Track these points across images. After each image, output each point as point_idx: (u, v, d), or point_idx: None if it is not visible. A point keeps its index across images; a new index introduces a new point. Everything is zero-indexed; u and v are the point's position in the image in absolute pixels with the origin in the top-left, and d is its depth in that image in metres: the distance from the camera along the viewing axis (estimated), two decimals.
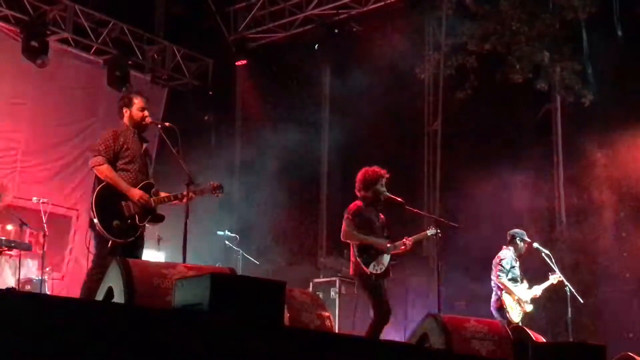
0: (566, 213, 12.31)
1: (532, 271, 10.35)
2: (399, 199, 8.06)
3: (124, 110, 6.59)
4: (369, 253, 7.72)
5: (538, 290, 9.60)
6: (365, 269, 7.65)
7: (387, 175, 8.05)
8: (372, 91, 13.38)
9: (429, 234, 8.26)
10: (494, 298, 9.58)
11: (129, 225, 6.22)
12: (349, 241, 7.87)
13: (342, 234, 7.89)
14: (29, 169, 12.07)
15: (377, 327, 7.67)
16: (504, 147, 12.80)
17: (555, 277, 9.54)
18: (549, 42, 11.89)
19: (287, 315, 5.73)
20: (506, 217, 12.65)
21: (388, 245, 7.83)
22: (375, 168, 8.06)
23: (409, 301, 11.08)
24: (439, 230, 8.20)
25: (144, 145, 6.64)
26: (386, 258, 7.79)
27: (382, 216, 8.12)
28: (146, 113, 6.61)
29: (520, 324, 9.15)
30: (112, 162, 6.33)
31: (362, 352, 4.42)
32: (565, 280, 9.55)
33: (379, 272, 7.70)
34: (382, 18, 13.27)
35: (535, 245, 9.84)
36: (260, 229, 13.49)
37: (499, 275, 9.43)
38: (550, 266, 9.65)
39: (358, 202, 7.97)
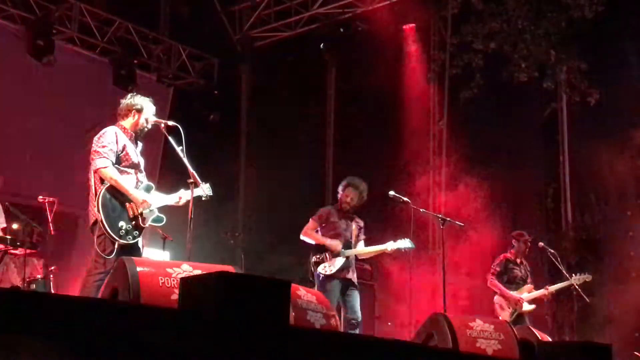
0: (572, 212, 12.29)
1: (537, 271, 10.34)
2: (404, 198, 8.07)
3: (134, 113, 6.55)
4: (322, 255, 7.89)
5: (552, 288, 9.61)
6: (313, 270, 7.82)
7: (354, 186, 8.22)
8: (377, 90, 13.36)
9: (389, 249, 8.23)
10: None
11: (133, 226, 6.23)
12: (302, 237, 8.07)
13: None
14: (36, 167, 12.08)
15: None
16: (509, 147, 12.78)
17: (577, 279, 9.53)
18: (556, 41, 11.86)
19: (292, 314, 5.71)
20: (512, 216, 12.64)
21: (341, 248, 7.93)
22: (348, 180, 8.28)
23: (413, 300, 11.06)
24: (410, 245, 8.19)
25: (140, 147, 6.64)
26: (339, 260, 7.89)
27: (357, 222, 8.23)
28: (151, 121, 6.60)
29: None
30: (114, 164, 6.31)
31: (368, 351, 4.41)
32: (572, 281, 9.55)
33: (327, 273, 7.81)
34: (387, 17, 13.25)
35: (541, 244, 9.85)
36: (265, 227, 13.49)
37: (490, 278, 9.56)
38: (557, 265, 9.65)
39: (328, 208, 8.24)
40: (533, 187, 12.70)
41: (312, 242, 8.05)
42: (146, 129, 6.58)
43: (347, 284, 7.99)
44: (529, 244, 9.80)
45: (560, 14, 11.78)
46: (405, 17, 13.18)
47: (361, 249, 8.13)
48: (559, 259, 9.64)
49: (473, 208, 12.80)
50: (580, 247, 11.65)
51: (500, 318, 9.25)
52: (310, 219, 8.14)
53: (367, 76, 13.28)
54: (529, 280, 9.74)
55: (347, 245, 8.01)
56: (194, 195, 6.47)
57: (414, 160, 13.48)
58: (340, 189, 8.30)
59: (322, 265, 7.82)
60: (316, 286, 7.93)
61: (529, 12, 11.89)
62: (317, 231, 8.15)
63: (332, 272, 7.83)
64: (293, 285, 5.21)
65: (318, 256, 7.87)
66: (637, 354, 8.43)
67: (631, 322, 10.54)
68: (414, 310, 11.15)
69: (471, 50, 12.46)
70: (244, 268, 10.57)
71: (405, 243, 8.19)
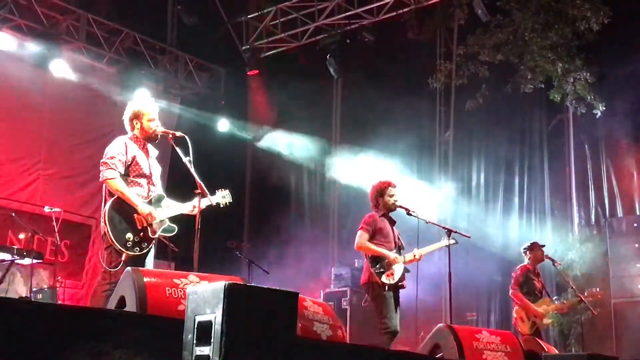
0: (578, 224, 12.27)
1: (547, 283, 10.32)
2: (411, 209, 8.04)
3: (134, 121, 6.50)
4: (382, 263, 7.70)
5: (567, 303, 9.59)
6: (377, 279, 7.63)
7: (395, 185, 8.06)
8: (383, 101, 13.37)
9: (443, 245, 8.10)
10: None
11: (141, 238, 6.18)
12: (361, 251, 7.88)
13: (355, 244, 7.89)
14: (49, 177, 12.13)
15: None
16: (515, 158, 12.77)
17: (589, 294, 9.53)
18: (562, 53, 11.87)
19: (299, 325, 5.71)
20: (518, 228, 12.63)
21: (398, 257, 7.81)
22: (383, 180, 8.10)
23: (420, 311, 11.03)
24: (455, 241, 8.09)
25: (154, 156, 6.61)
26: (399, 268, 7.76)
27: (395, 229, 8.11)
28: (157, 123, 6.53)
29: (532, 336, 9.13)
30: (123, 175, 6.27)
31: None
32: (578, 293, 9.55)
33: (392, 282, 7.67)
34: (394, 28, 13.26)
35: (548, 256, 9.81)
36: (271, 238, 13.49)
37: (511, 289, 9.47)
38: (564, 278, 9.62)
39: (373, 214, 7.98)
40: (539, 199, 12.69)
41: (369, 253, 7.83)
42: (159, 130, 6.54)
43: (399, 291, 7.88)
44: (543, 251, 9.73)
45: (567, 26, 11.79)
46: (412, 28, 13.18)
47: (415, 252, 7.96)
48: (565, 271, 9.61)
49: (480, 218, 12.80)
50: (586, 259, 11.62)
51: (519, 329, 9.21)
52: (361, 230, 7.92)
53: (373, 87, 13.29)
54: (544, 294, 9.66)
55: (398, 250, 7.90)
56: (212, 202, 6.47)
57: (421, 170, 13.49)
58: (380, 192, 8.03)
59: (384, 276, 7.68)
60: (371, 296, 7.82)
61: (536, 24, 11.89)
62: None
63: (394, 281, 7.72)
64: (300, 296, 5.21)
65: (379, 266, 7.71)
66: None
67: (638, 334, 10.51)
68: (420, 322, 11.13)
69: (478, 61, 12.47)
70: (250, 279, 10.58)
71: (448, 240, 7.97)
